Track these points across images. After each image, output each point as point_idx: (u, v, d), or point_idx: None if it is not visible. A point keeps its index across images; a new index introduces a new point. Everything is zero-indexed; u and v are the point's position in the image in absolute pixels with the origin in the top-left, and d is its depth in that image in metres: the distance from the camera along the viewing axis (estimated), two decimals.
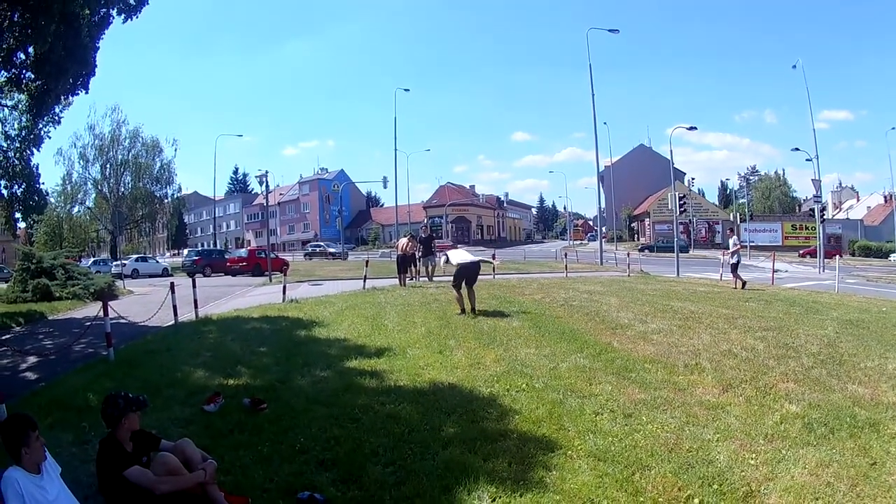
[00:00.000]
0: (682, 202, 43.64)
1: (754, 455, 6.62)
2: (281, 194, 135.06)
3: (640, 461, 6.35)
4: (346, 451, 6.52)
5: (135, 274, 48.48)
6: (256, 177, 44.23)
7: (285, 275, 25.83)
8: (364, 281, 25.73)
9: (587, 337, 12.75)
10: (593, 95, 52.39)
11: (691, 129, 54.35)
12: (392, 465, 6.17)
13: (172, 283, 17.01)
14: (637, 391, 8.88)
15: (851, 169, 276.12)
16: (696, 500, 5.56)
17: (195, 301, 17.65)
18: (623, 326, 14.00)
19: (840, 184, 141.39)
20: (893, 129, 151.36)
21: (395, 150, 78.72)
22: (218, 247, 78.94)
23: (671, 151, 48.03)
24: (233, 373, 10.14)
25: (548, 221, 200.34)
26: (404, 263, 26.04)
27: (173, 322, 15.82)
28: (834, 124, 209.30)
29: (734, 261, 25.74)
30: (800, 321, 15.26)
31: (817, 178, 54.46)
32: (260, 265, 42.87)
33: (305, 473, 5.97)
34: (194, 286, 18.15)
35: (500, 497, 5.48)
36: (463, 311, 15.34)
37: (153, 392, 8.50)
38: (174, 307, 16.08)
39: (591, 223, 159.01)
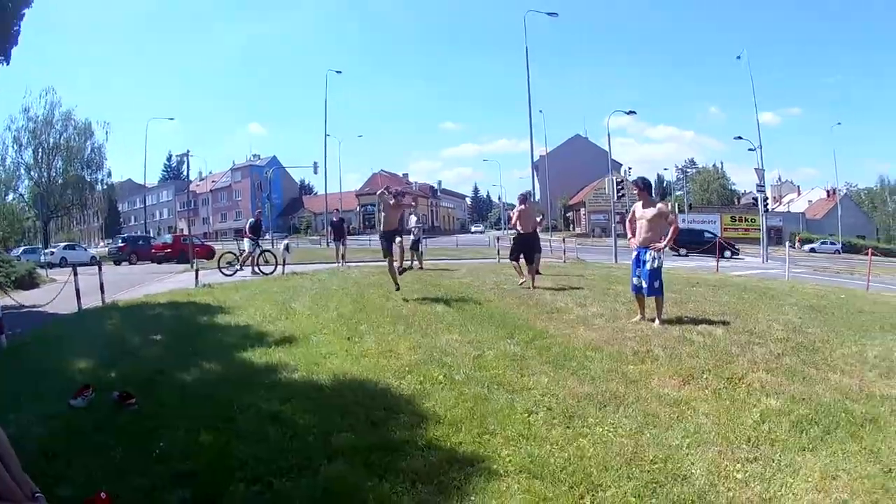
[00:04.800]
0: (619, 187, 44.28)
1: (739, 465, 5.40)
2: (213, 181, 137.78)
3: (589, 478, 5.00)
4: (209, 460, 5.23)
5: (63, 262, 47.84)
6: (177, 156, 44.14)
7: (204, 259, 26.04)
8: (284, 266, 25.23)
9: (519, 322, 11.74)
10: (529, 80, 51.76)
11: (630, 113, 55.36)
12: (259, 483, 4.84)
13: (75, 267, 16.68)
14: (579, 384, 7.69)
15: (799, 164, 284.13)
16: None
17: (101, 287, 16.76)
18: (560, 310, 13.02)
19: (780, 178, 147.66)
20: (839, 124, 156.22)
21: (326, 134, 78.77)
22: (149, 234, 78.13)
23: (609, 137, 48.31)
24: (117, 362, 9.01)
25: (482, 211, 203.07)
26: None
27: (77, 309, 14.94)
28: (786, 119, 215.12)
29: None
30: (756, 306, 14.46)
31: (761, 167, 54.75)
32: (185, 252, 41.79)
33: (156, 490, 4.70)
34: (100, 270, 17.46)
35: None
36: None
37: (32, 382, 8.07)
38: (77, 293, 15.32)
39: None
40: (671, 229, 11.86)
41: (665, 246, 11.63)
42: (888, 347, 10.26)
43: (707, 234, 62.97)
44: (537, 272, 18.51)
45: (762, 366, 8.66)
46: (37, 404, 6.96)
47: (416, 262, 24.57)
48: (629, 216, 12.16)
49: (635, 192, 12.17)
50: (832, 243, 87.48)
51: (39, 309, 15.97)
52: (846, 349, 10.05)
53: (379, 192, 14.90)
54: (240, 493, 4.65)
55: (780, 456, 5.59)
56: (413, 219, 26.95)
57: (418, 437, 5.79)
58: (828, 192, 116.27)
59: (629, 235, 12.10)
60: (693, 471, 5.21)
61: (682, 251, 52.28)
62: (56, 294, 15.43)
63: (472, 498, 4.61)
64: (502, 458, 5.34)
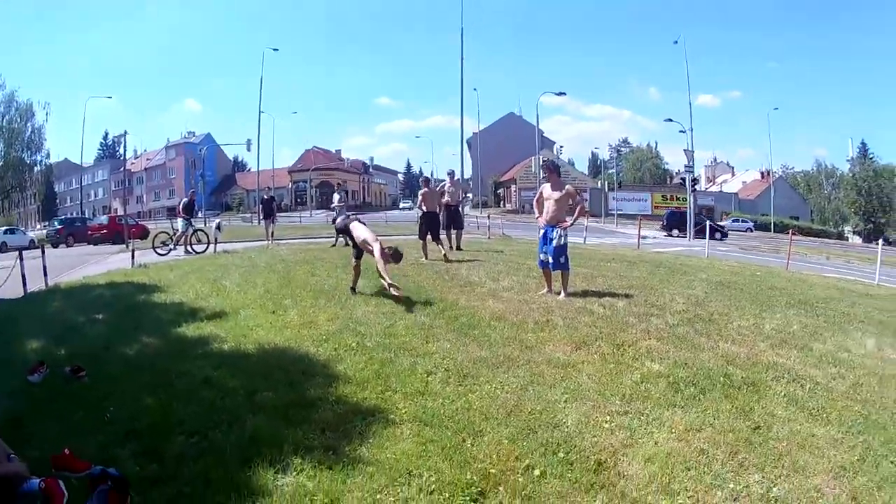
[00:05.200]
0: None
1: (609, 417, 6.13)
2: (148, 160, 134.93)
3: (472, 425, 5.84)
4: (152, 420, 5.91)
5: (3, 247, 46.45)
6: (115, 137, 43.72)
7: (138, 239, 27.15)
8: (216, 245, 25.67)
9: (432, 294, 12.38)
10: (462, 61, 52.96)
11: (560, 94, 55.84)
12: (196, 435, 5.57)
13: (21, 252, 16.61)
14: (478, 349, 8.44)
15: (737, 146, 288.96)
16: (537, 471, 4.99)
17: (44, 270, 17.12)
18: (473, 284, 13.70)
19: (715, 159, 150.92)
20: (776, 109, 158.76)
21: (260, 111, 78.21)
22: (86, 216, 77.05)
23: (537, 117, 49.72)
24: (66, 341, 9.46)
25: (414, 187, 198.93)
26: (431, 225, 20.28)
27: (23, 293, 15.18)
28: (726, 101, 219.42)
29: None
30: (665, 281, 15.21)
31: (690, 149, 56.00)
32: (120, 233, 41.35)
33: (109, 446, 5.35)
34: (43, 254, 17.67)
35: (305, 469, 4.89)
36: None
37: None
38: (23, 277, 15.57)
39: None
40: (578, 209, 12.78)
41: (571, 224, 12.35)
42: (787, 321, 11.05)
43: (702, 218, 63.50)
44: (458, 248, 19.94)
45: (654, 334, 9.33)
46: None
47: (339, 240, 24.39)
48: (536, 196, 12.89)
49: (545, 174, 13.02)
50: (744, 221, 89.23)
51: None
52: (743, 321, 10.78)
53: (339, 222, 14.74)
54: (180, 444, 5.35)
55: (650, 411, 6.28)
56: (336, 197, 27.21)
57: (329, 395, 6.55)
58: (762, 173, 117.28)
59: (536, 214, 12.81)
60: (566, 420, 5.95)
61: (675, 232, 52.79)
62: (3, 280, 15.12)
63: (370, 441, 5.40)
64: (399, 410, 6.10)
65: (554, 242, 12.09)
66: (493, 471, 4.93)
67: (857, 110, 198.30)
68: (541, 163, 13.55)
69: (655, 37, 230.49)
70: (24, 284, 15.52)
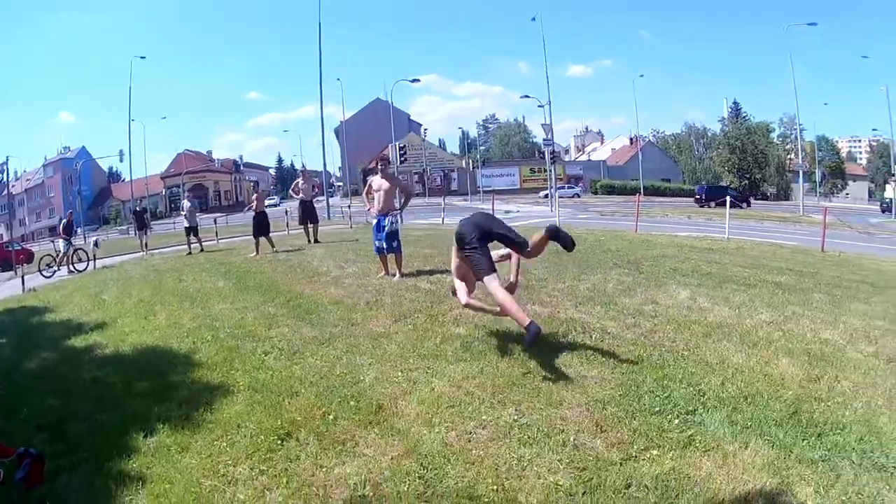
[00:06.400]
0: (402, 152, 47.08)
1: (401, 373, 7.38)
2: (28, 180, 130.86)
3: (290, 389, 7.25)
4: (57, 414, 7.45)
5: None
6: None
7: (26, 263, 28.99)
8: (94, 261, 26.85)
9: (282, 287, 13.73)
10: (320, 57, 54.96)
11: (414, 80, 58.83)
12: (89, 421, 7.10)
13: None
14: (310, 330, 9.70)
15: (611, 114, 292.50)
16: (332, 416, 6.38)
17: None
18: (320, 274, 15.06)
19: (587, 128, 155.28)
20: (642, 76, 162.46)
21: (130, 119, 77.97)
22: None
23: (391, 104, 52.30)
24: None
25: (286, 182, 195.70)
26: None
27: None
28: (598, 71, 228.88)
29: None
30: None
31: (548, 122, 59.27)
32: (8, 259, 40.83)
33: (27, 439, 6.64)
34: None
35: (167, 432, 6.52)
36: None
37: None
38: None
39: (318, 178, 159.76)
40: (405, 196, 14.72)
41: (401, 210, 14.22)
42: (605, 280, 12.37)
43: (731, 191, 65.10)
44: (316, 241, 22.40)
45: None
46: None
47: (195, 246, 26.41)
48: (366, 188, 14.27)
49: (382, 166, 14.18)
50: (570, 187, 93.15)
51: None
52: (560, 285, 11.96)
53: None
54: (78, 427, 6.97)
55: (438, 366, 7.54)
56: (186, 204, 28.13)
57: (187, 378, 8.17)
58: (631, 139, 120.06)
59: (366, 206, 14.30)
60: (365, 378, 7.38)
61: (712, 204, 54.46)
62: None
63: (214, 407, 7.02)
64: (238, 383, 7.66)
65: (387, 229, 13.49)
66: (298, 418, 6.37)
67: (730, 72, 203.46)
68: (378, 159, 14.99)
69: (523, 10, 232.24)
70: None
